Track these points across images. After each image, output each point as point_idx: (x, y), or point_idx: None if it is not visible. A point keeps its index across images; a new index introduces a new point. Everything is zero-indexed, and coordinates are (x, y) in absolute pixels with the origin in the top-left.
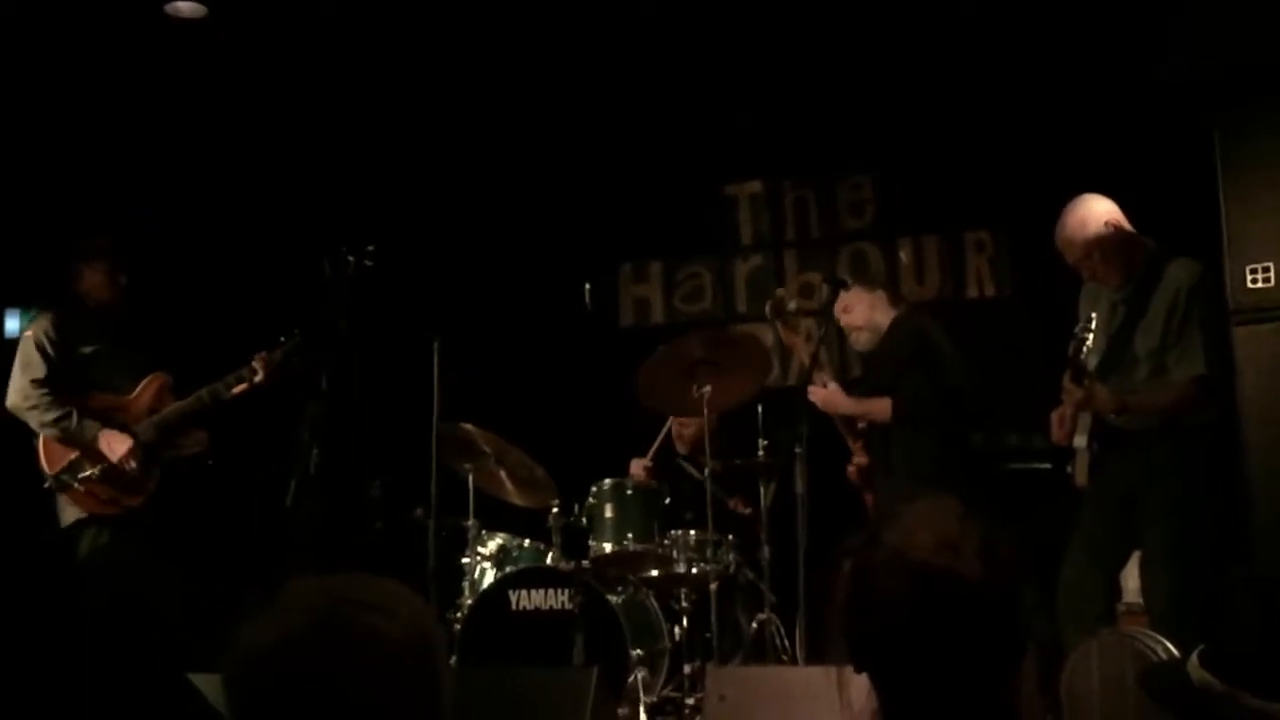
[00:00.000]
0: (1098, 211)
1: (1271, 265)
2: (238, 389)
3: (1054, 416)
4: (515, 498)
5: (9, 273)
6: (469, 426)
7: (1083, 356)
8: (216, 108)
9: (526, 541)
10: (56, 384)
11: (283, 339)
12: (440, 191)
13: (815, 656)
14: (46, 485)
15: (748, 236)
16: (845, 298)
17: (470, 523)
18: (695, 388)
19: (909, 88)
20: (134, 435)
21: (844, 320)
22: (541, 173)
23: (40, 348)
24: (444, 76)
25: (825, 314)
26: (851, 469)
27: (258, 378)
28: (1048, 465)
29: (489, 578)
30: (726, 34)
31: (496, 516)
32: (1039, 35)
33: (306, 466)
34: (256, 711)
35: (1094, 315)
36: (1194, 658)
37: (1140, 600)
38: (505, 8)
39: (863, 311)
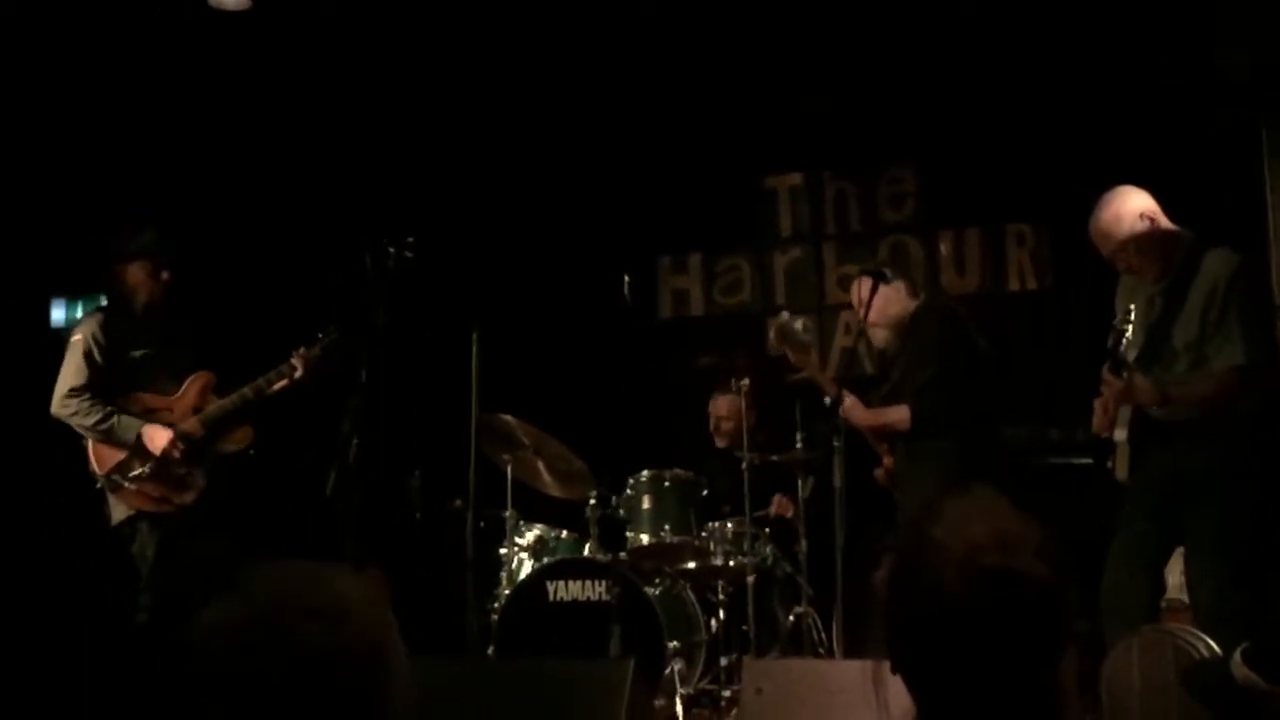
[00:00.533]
0: (1133, 204)
1: None
2: (278, 385)
3: (1097, 404)
4: (553, 489)
5: (54, 264)
6: (508, 417)
7: (1122, 348)
8: (259, 100)
9: (564, 532)
10: (100, 388)
11: (321, 334)
12: (480, 184)
13: (853, 650)
14: (98, 486)
15: (787, 229)
16: (859, 292)
17: (508, 513)
18: (734, 380)
19: (950, 80)
20: (175, 430)
21: (859, 316)
22: (581, 165)
23: (87, 353)
24: (486, 70)
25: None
26: (879, 471)
27: (298, 374)
28: (1089, 460)
29: (526, 568)
30: (768, 26)
31: (534, 508)
32: (1082, 27)
33: (346, 457)
34: (204, 699)
35: (1132, 308)
36: (1236, 656)
37: (1181, 597)
38: (546, 2)
39: (878, 306)
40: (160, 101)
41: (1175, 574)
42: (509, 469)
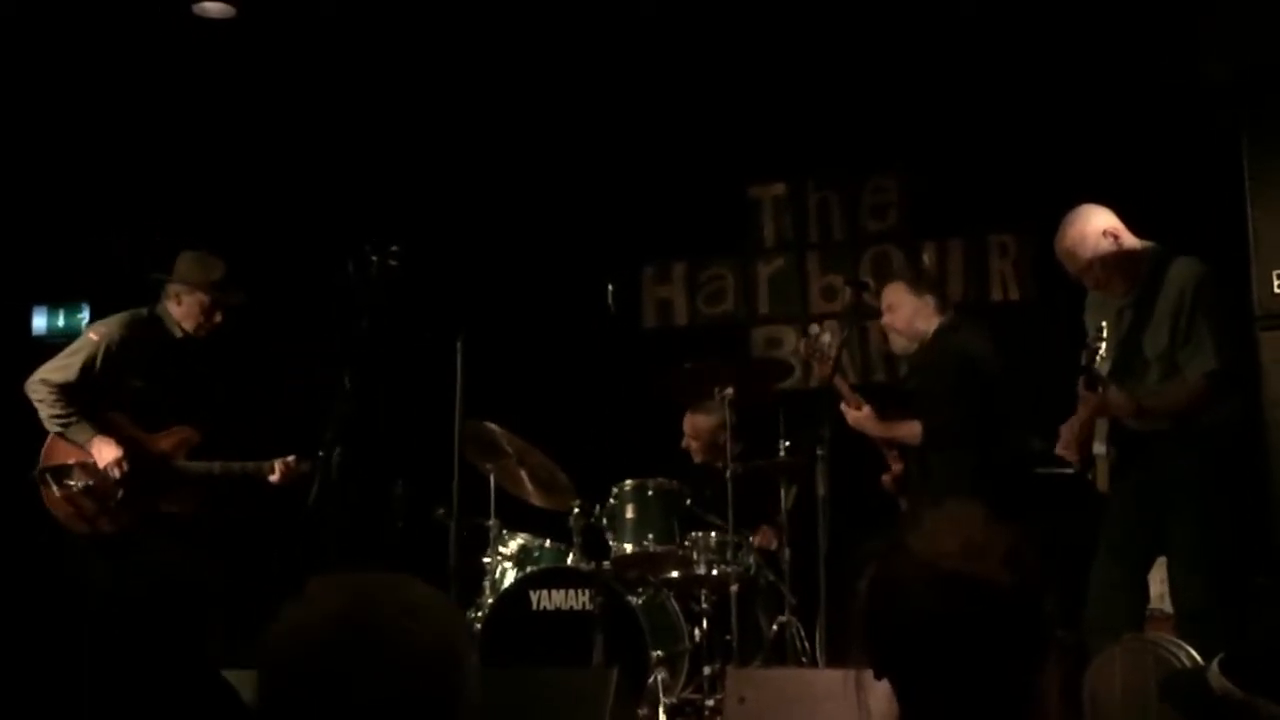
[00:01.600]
0: (1096, 223)
1: None
2: (249, 473)
3: (1062, 430)
4: (535, 499)
5: (36, 271)
6: (492, 425)
7: (1096, 364)
8: (242, 106)
9: (547, 542)
10: (81, 393)
11: (320, 453)
12: (464, 192)
13: (836, 659)
14: (31, 475)
15: (771, 238)
16: (891, 296)
17: (492, 522)
18: (718, 390)
19: (933, 91)
20: (126, 456)
21: (885, 319)
22: (565, 173)
23: (90, 361)
24: (468, 77)
25: (847, 317)
26: (887, 477)
27: (273, 477)
28: (1070, 470)
29: (510, 577)
30: (752, 36)
31: (518, 516)
32: (1065, 38)
33: (330, 465)
34: (282, 704)
35: (1105, 324)
36: (1214, 665)
37: (1163, 606)
38: (531, 10)
39: (905, 315)
40: (146, 109)
41: (1156, 583)
42: (492, 478)
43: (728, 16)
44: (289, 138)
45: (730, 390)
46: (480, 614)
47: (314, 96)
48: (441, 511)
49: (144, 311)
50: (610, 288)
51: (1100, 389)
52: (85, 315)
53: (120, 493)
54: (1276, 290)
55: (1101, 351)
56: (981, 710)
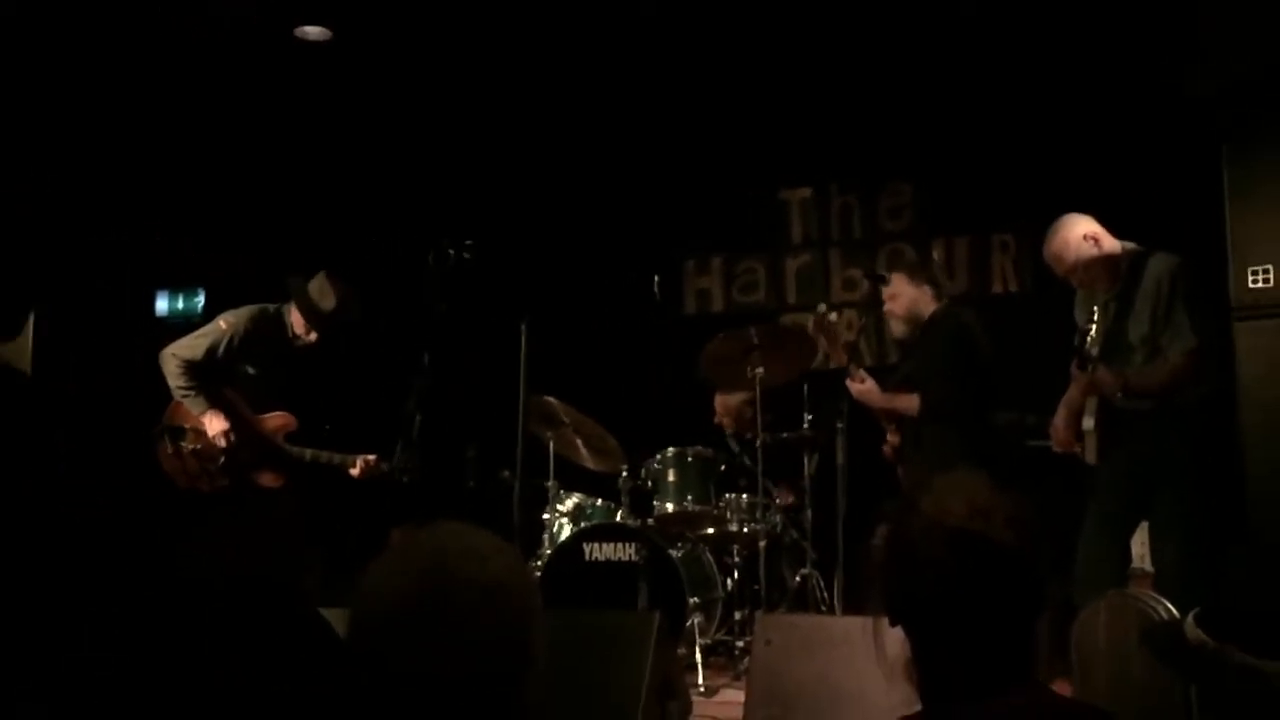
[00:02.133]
0: (1077, 230)
1: (1271, 267)
2: (334, 463)
3: (1057, 420)
4: (589, 463)
5: (159, 258)
6: (551, 399)
7: (1087, 346)
8: (344, 123)
9: (599, 501)
10: (205, 369)
11: (397, 455)
12: (531, 195)
13: (852, 608)
14: (151, 431)
15: (798, 236)
16: (893, 286)
17: (550, 483)
18: (750, 368)
19: (944, 107)
20: (232, 429)
21: (887, 306)
22: (618, 179)
23: (217, 344)
24: (539, 99)
25: (866, 306)
26: (886, 448)
27: (353, 471)
28: None
29: (566, 532)
30: (787, 60)
31: (573, 478)
32: (1058, 60)
33: (410, 432)
34: (373, 643)
35: (1096, 309)
36: (1190, 619)
37: (1144, 565)
38: (593, 44)
39: (905, 302)
40: (258, 119)
41: (1138, 545)
42: (551, 444)
43: (767, 45)
44: (380, 149)
45: (760, 369)
46: (540, 563)
47: (402, 115)
48: (507, 473)
49: (270, 308)
50: (656, 279)
51: (1091, 369)
52: (201, 299)
53: (222, 460)
54: (1251, 285)
55: (1093, 333)
56: (984, 651)
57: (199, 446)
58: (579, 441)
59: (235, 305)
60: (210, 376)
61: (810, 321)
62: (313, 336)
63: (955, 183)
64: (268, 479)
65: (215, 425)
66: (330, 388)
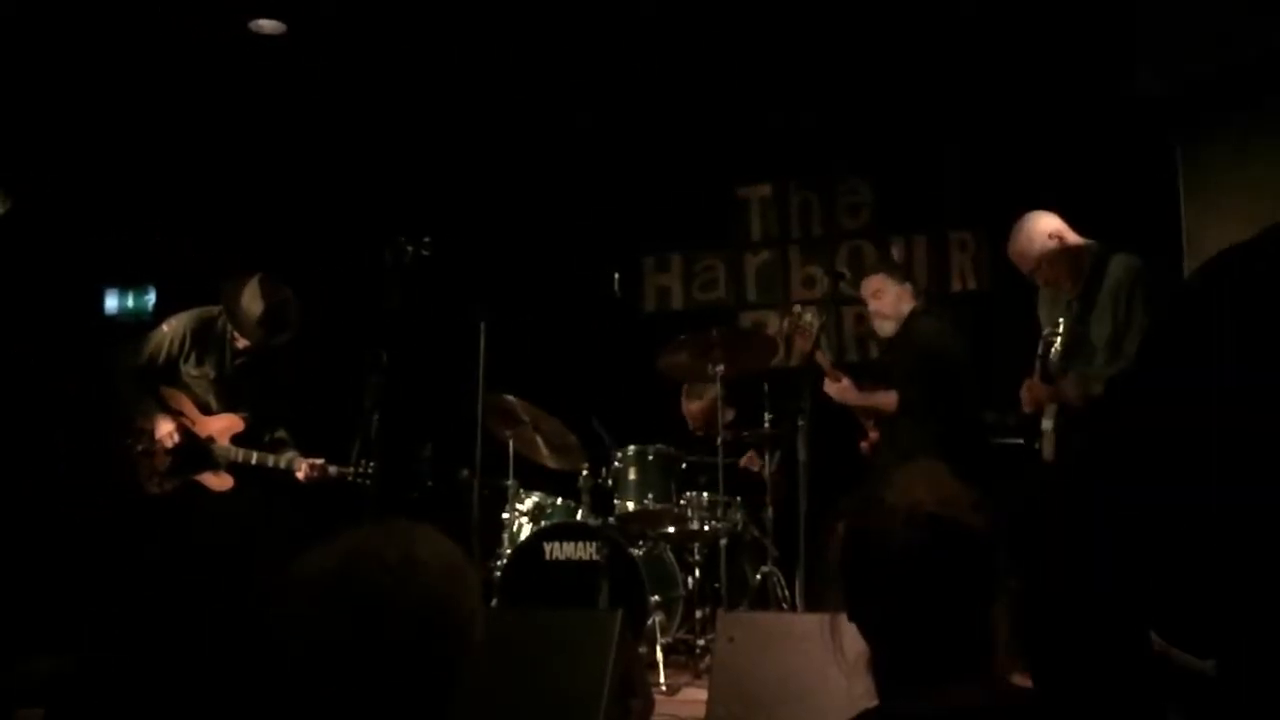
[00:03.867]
0: (1041, 227)
1: None
2: (279, 465)
3: (1025, 391)
4: (549, 461)
5: (107, 256)
6: (510, 397)
7: (1051, 356)
8: (297, 116)
9: (559, 499)
10: (150, 372)
11: (353, 464)
12: (489, 191)
13: (813, 605)
14: (107, 434)
15: (757, 233)
16: (875, 284)
17: (510, 482)
18: (710, 366)
19: (902, 105)
20: (178, 430)
21: (872, 305)
22: (576, 176)
23: (159, 348)
24: (493, 95)
25: (825, 302)
26: (864, 444)
27: (299, 474)
28: (1020, 440)
29: (526, 531)
30: (745, 57)
31: (533, 477)
32: (1014, 60)
33: (368, 431)
34: (291, 611)
35: (1061, 320)
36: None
37: None
38: (551, 38)
39: (890, 301)
40: (208, 112)
41: None
42: (511, 443)
43: (726, 43)
44: (335, 144)
45: (721, 366)
46: (500, 563)
47: (359, 110)
48: (466, 472)
49: (214, 310)
50: (615, 276)
51: (1056, 381)
52: (152, 297)
53: (167, 462)
54: None
55: (1056, 345)
56: (939, 640)
57: (148, 448)
58: (539, 440)
59: (187, 303)
60: (155, 379)
61: (785, 321)
62: (242, 343)
63: (914, 181)
64: (215, 482)
65: (162, 427)
66: (286, 388)
